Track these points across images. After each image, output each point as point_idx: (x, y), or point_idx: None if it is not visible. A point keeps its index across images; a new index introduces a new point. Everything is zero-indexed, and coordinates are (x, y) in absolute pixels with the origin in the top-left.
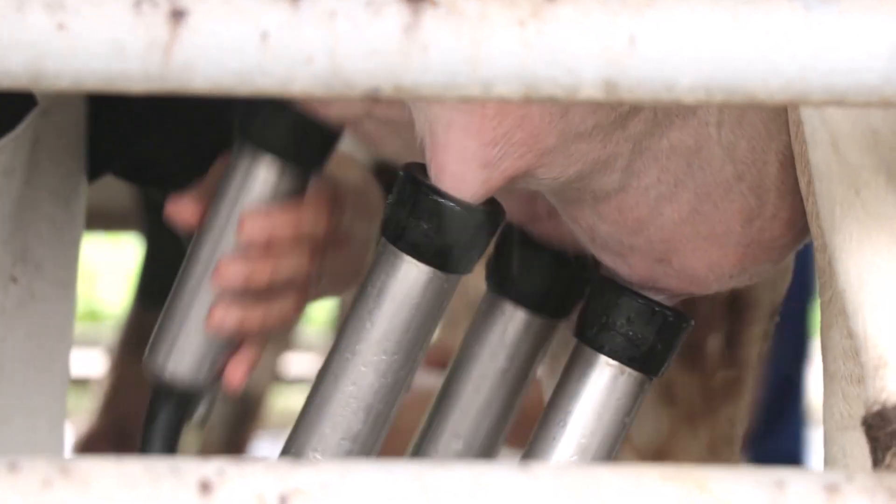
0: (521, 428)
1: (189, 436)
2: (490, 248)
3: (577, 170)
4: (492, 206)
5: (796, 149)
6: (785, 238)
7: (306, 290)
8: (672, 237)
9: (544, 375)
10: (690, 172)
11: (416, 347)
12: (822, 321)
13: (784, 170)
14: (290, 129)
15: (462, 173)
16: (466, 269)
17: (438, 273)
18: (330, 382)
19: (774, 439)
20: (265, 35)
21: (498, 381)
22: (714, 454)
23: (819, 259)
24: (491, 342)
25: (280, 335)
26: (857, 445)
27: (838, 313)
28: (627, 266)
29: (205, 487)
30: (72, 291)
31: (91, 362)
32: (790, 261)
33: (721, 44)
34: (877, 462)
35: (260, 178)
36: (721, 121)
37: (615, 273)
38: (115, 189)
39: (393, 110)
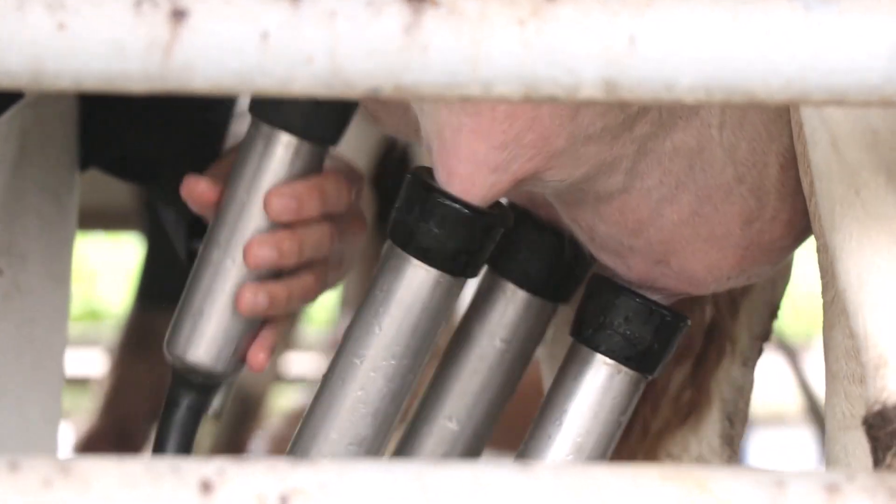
0: (507, 428)
1: (204, 428)
2: None
3: (584, 172)
4: (499, 210)
5: (798, 149)
6: (784, 240)
7: (326, 268)
8: (671, 238)
9: (544, 373)
10: (692, 174)
11: (422, 351)
12: (824, 321)
13: (784, 172)
14: (304, 106)
15: (472, 177)
16: (474, 272)
17: (447, 277)
18: (337, 387)
19: None
20: (265, 35)
21: (495, 362)
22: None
23: (821, 259)
24: (490, 322)
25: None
26: (860, 445)
27: (840, 313)
28: (626, 266)
29: (205, 487)
30: (64, 287)
31: (91, 362)
32: (791, 260)
33: (721, 44)
34: (877, 462)
35: (276, 157)
36: (723, 122)
37: (614, 273)
38: (115, 189)
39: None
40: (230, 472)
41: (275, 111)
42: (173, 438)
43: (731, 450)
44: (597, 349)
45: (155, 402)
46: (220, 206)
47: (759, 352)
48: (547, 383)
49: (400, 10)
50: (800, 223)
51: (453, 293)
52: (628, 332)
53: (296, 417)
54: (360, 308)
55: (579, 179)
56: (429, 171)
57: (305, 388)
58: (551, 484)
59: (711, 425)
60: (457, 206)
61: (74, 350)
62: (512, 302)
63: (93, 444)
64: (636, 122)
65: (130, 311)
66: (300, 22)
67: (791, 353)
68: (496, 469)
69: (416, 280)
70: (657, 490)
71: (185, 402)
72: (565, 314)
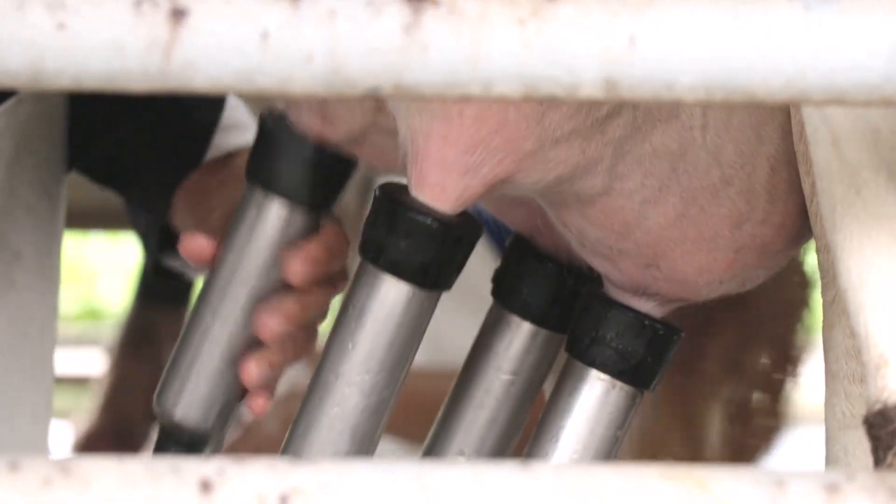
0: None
1: None
2: (497, 261)
3: (557, 174)
4: (468, 221)
5: (800, 149)
6: (777, 243)
7: (319, 324)
8: (659, 241)
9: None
10: (675, 176)
11: (399, 366)
12: (824, 321)
13: (775, 174)
14: (300, 171)
15: (442, 182)
16: (446, 284)
17: (419, 290)
18: (315, 406)
19: None
20: (265, 34)
21: (502, 395)
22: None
23: (822, 259)
24: (496, 356)
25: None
26: (860, 445)
27: (840, 313)
28: (618, 271)
29: (205, 487)
30: (54, 284)
31: (90, 361)
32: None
33: (721, 43)
34: (878, 461)
35: (270, 221)
36: (705, 124)
37: (606, 279)
38: None
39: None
40: (230, 471)
41: (270, 176)
42: None
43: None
44: (591, 364)
45: None
46: (214, 265)
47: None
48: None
49: (400, 10)
50: (793, 226)
51: (426, 307)
52: (621, 347)
53: (280, 403)
54: (335, 325)
55: (554, 182)
56: (396, 187)
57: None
58: (551, 483)
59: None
60: (423, 218)
61: (74, 349)
62: (517, 334)
63: (92, 443)
64: (607, 125)
65: (130, 311)
66: (300, 21)
67: None
68: (496, 469)
69: (388, 295)
70: (657, 490)
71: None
72: None
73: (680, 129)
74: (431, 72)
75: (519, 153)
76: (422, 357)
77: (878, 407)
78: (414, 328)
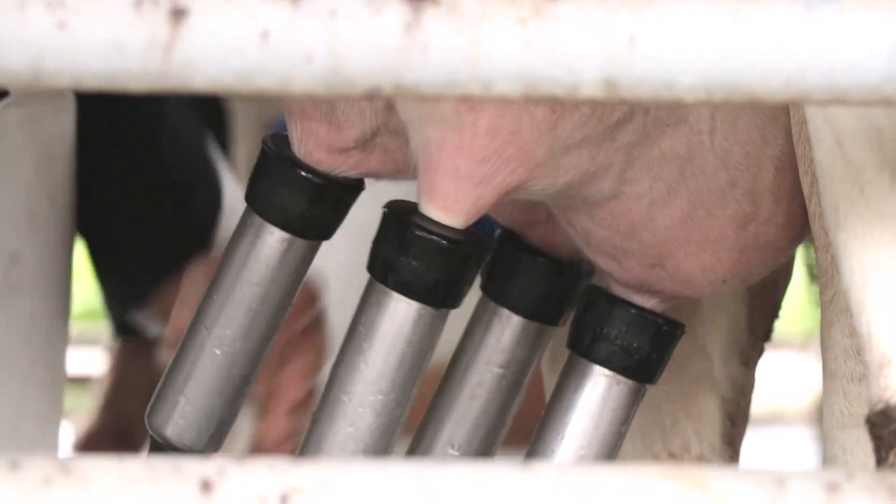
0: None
1: None
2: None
3: (568, 180)
4: (477, 240)
5: (799, 150)
6: (780, 242)
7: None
8: (665, 242)
9: (546, 376)
10: (683, 180)
11: (409, 384)
12: (822, 320)
13: (780, 174)
14: (299, 205)
15: (455, 192)
16: (455, 302)
17: (429, 309)
18: (326, 425)
19: None
20: (265, 34)
21: (493, 387)
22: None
23: (821, 259)
24: (486, 349)
25: None
26: (858, 443)
27: (840, 312)
28: (623, 270)
29: (205, 486)
30: (63, 287)
31: (91, 361)
32: (793, 259)
33: (721, 42)
34: (880, 460)
35: (268, 245)
36: (713, 128)
37: (610, 276)
38: None
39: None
40: (230, 471)
41: (269, 207)
42: None
43: (733, 449)
44: (594, 360)
45: None
46: (209, 289)
47: (760, 352)
48: (547, 384)
49: (400, 9)
50: (796, 225)
51: (436, 325)
52: (625, 343)
53: None
54: (344, 344)
55: (564, 187)
56: (405, 205)
57: None
58: (552, 483)
59: (712, 425)
60: (434, 237)
61: (74, 349)
62: (508, 328)
63: (93, 442)
64: (618, 132)
65: None
66: (300, 21)
67: None
68: (496, 468)
69: (397, 314)
70: (657, 489)
71: None
72: (567, 328)
73: (688, 134)
74: (431, 71)
75: (531, 162)
76: None
77: (880, 406)
78: (424, 346)
